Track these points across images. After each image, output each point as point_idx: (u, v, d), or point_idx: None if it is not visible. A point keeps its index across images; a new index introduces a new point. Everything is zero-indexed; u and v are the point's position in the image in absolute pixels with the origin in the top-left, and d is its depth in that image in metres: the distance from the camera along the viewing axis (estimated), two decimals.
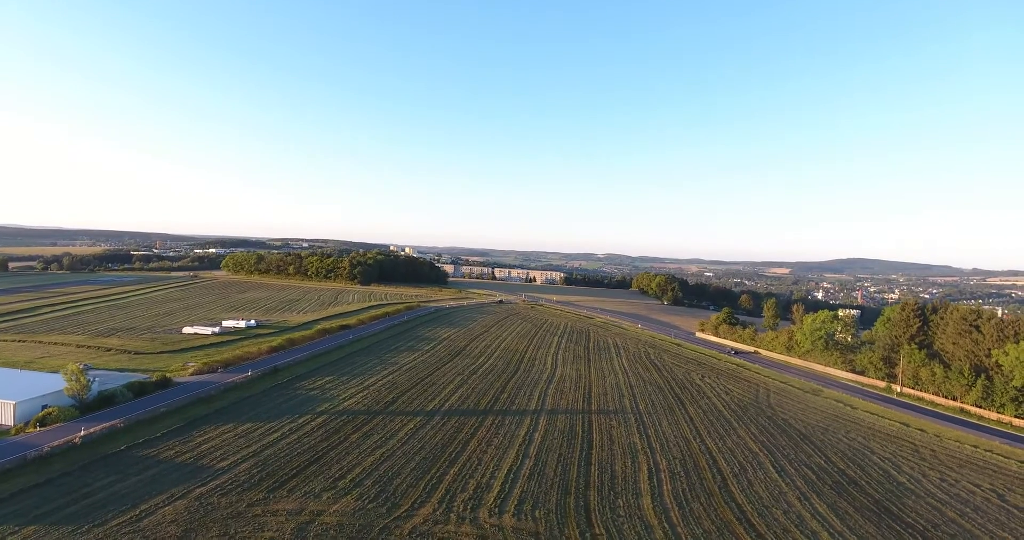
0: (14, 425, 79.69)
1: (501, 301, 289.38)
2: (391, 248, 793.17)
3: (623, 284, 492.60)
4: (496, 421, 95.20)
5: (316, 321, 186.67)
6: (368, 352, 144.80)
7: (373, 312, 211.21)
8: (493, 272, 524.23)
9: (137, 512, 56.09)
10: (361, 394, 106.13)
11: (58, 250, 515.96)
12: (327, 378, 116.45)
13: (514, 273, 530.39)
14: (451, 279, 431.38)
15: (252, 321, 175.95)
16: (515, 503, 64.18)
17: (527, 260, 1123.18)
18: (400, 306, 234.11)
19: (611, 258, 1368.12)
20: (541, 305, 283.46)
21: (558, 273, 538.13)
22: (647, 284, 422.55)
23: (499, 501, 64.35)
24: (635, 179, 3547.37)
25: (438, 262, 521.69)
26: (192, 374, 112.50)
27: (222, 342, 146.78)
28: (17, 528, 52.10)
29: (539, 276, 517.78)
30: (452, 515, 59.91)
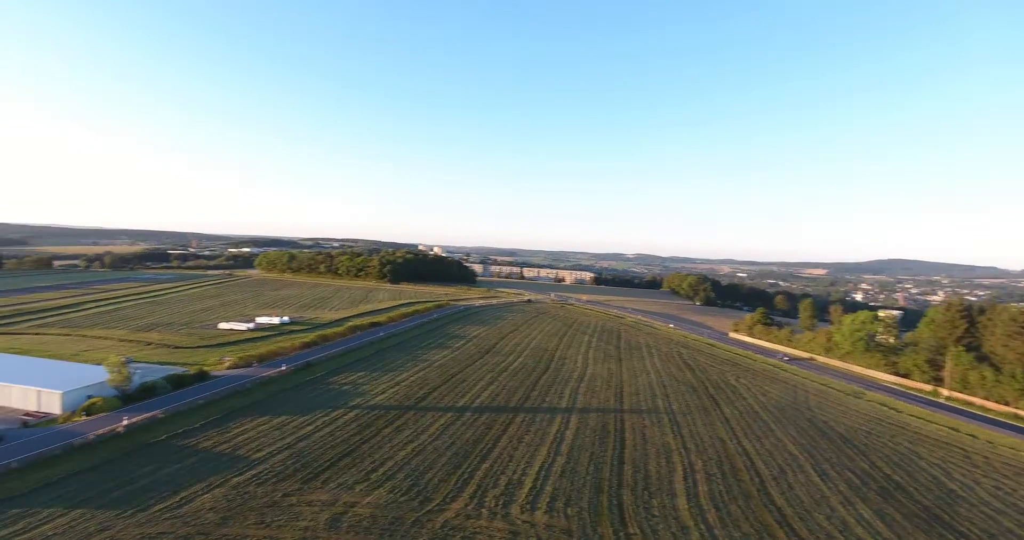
0: (61, 414, 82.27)
1: (530, 300, 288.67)
2: (420, 247, 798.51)
3: (653, 284, 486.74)
4: (527, 418, 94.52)
5: (347, 318, 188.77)
6: (399, 349, 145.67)
7: (403, 310, 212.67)
8: (522, 272, 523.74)
9: (178, 499, 57.20)
10: (392, 390, 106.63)
11: (99, 249, 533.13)
12: (359, 374, 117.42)
13: (543, 273, 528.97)
14: (480, 278, 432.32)
15: (286, 318, 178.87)
16: (547, 500, 63.36)
17: (556, 260, 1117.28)
18: (430, 304, 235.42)
19: (641, 258, 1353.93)
20: (571, 304, 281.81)
21: (587, 273, 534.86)
22: (678, 284, 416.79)
23: (531, 498, 63.63)
24: (666, 179, 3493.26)
25: (467, 261, 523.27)
26: (228, 368, 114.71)
27: (257, 338, 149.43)
28: (65, 511, 53.69)
29: (568, 276, 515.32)
30: (484, 510, 59.44)
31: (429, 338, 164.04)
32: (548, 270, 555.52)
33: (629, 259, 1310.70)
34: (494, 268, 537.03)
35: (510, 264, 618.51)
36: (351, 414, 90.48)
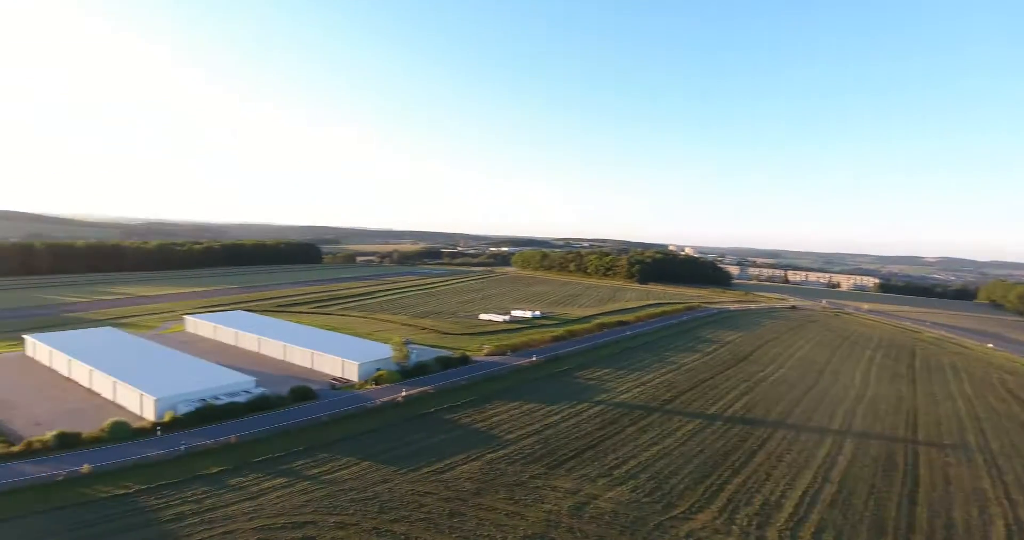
0: (357, 381, 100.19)
1: (795, 307, 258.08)
2: (669, 247, 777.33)
3: (964, 294, 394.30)
4: (788, 436, 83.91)
5: (594, 316, 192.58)
6: (645, 349, 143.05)
7: (651, 310, 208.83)
8: (786, 275, 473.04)
9: (442, 465, 64.87)
10: (638, 389, 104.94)
11: (389, 247, 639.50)
12: (604, 370, 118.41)
13: (812, 276, 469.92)
14: (736, 281, 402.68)
15: (537, 312, 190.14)
16: (813, 530, 55.00)
17: (828, 263, 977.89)
18: (679, 306, 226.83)
19: (945, 262, 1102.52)
20: (847, 313, 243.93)
21: (870, 278, 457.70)
22: (1002, 295, 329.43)
23: (792, 524, 55.93)
24: (981, 160, 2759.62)
25: (720, 262, 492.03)
26: (486, 355, 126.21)
27: (511, 329, 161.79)
28: (358, 461, 65.57)
29: (844, 281, 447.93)
30: (734, 527, 54.19)
31: (677, 340, 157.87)
32: (819, 274, 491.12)
33: (929, 263, 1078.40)
34: (752, 270, 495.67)
35: (772, 266, 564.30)
36: (595, 409, 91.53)
